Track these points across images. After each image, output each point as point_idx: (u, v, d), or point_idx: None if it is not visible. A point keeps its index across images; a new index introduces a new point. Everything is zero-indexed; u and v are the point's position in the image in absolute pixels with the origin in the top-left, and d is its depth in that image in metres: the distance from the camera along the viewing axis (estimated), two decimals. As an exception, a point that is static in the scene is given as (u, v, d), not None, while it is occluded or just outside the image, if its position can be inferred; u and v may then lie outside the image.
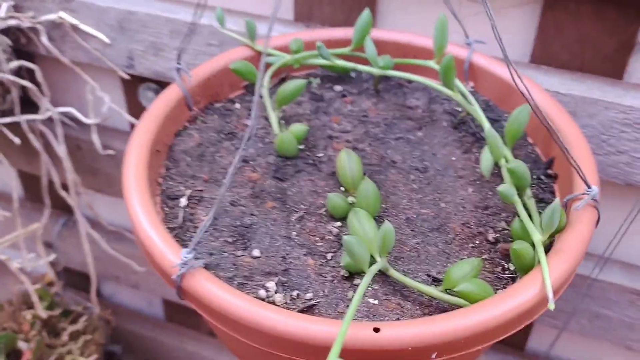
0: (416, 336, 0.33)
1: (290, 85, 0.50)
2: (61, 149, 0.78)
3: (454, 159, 0.51)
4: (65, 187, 0.83)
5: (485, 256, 0.43)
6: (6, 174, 0.96)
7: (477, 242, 0.44)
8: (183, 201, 0.46)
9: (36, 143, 0.77)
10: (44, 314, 0.76)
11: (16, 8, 0.71)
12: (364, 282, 0.34)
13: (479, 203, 0.47)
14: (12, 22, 0.70)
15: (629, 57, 0.55)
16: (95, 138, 0.77)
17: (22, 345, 0.74)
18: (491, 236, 0.44)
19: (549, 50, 0.57)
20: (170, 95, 0.50)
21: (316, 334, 0.33)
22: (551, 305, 0.34)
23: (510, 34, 0.59)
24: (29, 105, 0.78)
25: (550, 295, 0.34)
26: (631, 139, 0.55)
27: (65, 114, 0.79)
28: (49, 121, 0.79)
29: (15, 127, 0.77)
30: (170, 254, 0.37)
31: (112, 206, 0.93)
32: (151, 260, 0.38)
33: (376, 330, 0.33)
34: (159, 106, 0.49)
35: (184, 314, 1.04)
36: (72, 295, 0.89)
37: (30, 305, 0.80)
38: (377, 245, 0.38)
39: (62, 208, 0.95)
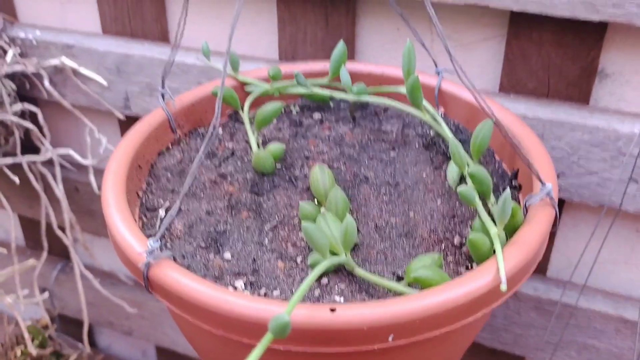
0: (371, 316, 0.34)
1: (269, 107, 0.53)
2: (59, 189, 0.80)
3: (424, 175, 0.53)
4: (62, 229, 0.86)
5: (450, 258, 0.44)
6: (7, 221, 0.99)
7: (443, 246, 0.45)
8: (161, 212, 0.48)
9: (36, 184, 0.81)
10: (33, 350, 0.76)
11: (21, 55, 0.76)
12: (321, 265, 0.35)
13: (447, 213, 0.48)
14: (17, 68, 0.75)
15: (593, 82, 0.58)
16: (92, 179, 0.80)
17: (10, 383, 0.74)
18: (456, 240, 0.46)
19: (516, 79, 0.60)
20: (155, 116, 0.53)
21: (270, 313, 0.34)
22: (503, 287, 0.35)
23: (479, 67, 0.62)
24: (29, 149, 0.82)
25: (504, 277, 0.35)
26: (599, 159, 0.57)
27: (64, 157, 0.83)
28: (49, 164, 0.83)
29: (16, 170, 0.81)
30: (138, 245, 0.39)
31: (108, 250, 0.95)
32: (121, 253, 0.40)
33: (332, 310, 0.34)
34: (142, 125, 0.52)
35: (178, 363, 1.03)
36: (64, 336, 0.90)
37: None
38: (340, 240, 0.40)
39: (60, 254, 0.97)
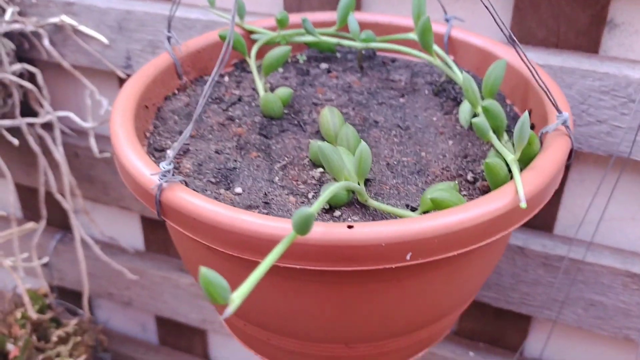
0: (389, 233, 0.33)
1: (276, 52, 0.53)
2: (59, 152, 0.79)
3: (435, 119, 0.52)
4: (62, 195, 0.85)
5: (464, 192, 0.43)
6: (5, 189, 0.98)
7: (457, 182, 0.45)
8: (169, 152, 0.47)
9: (35, 146, 0.79)
10: (33, 314, 0.75)
11: (20, 13, 0.75)
12: (338, 184, 0.34)
13: (459, 153, 0.48)
14: (16, 26, 0.73)
15: (602, 31, 0.57)
16: (93, 142, 0.79)
17: (10, 347, 0.73)
18: (470, 176, 0.45)
19: (526, 28, 0.59)
20: (161, 60, 0.52)
21: (287, 231, 0.33)
22: (523, 204, 0.35)
23: (488, 17, 0.61)
24: (28, 112, 0.81)
25: (522, 195, 0.35)
26: (609, 107, 0.56)
27: (63, 120, 0.82)
28: (48, 128, 0.82)
29: (14, 135, 0.79)
30: (149, 169, 0.38)
31: (108, 218, 0.93)
32: (130, 180, 0.39)
33: (350, 227, 0.34)
34: (149, 67, 0.51)
35: (177, 336, 1.02)
36: (64, 304, 0.88)
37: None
38: (354, 168, 0.39)
39: (58, 224, 0.96)
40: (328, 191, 0.32)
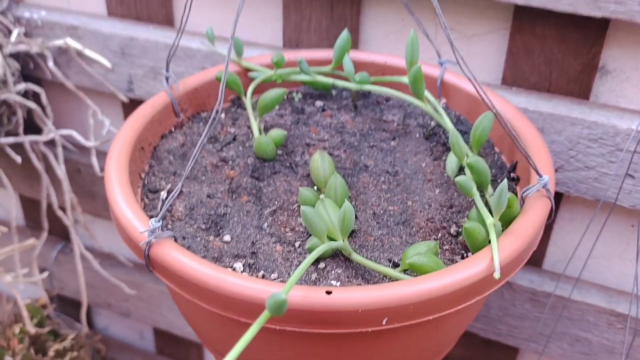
0: (365, 299, 0.35)
1: (271, 93, 0.54)
2: (61, 169, 0.81)
3: (423, 165, 0.53)
4: (63, 210, 0.86)
5: (446, 247, 0.45)
6: (8, 201, 1.00)
7: (440, 235, 0.46)
8: (163, 194, 0.49)
9: (37, 163, 0.81)
10: (32, 329, 0.77)
11: (26, 34, 0.77)
12: (318, 249, 0.36)
13: (445, 202, 0.49)
14: (22, 47, 0.75)
15: (594, 78, 0.58)
16: (94, 160, 0.81)
17: (8, 359, 0.75)
18: (453, 230, 0.46)
19: (518, 72, 0.60)
20: (159, 99, 0.54)
21: (268, 294, 0.35)
22: (497, 275, 0.36)
23: (482, 59, 0.63)
24: (32, 129, 0.82)
25: (497, 265, 0.36)
26: (597, 154, 0.57)
27: (66, 138, 0.83)
28: (51, 145, 0.83)
29: (18, 150, 0.81)
30: (140, 224, 0.39)
31: (108, 231, 0.95)
32: (123, 232, 0.41)
33: (328, 292, 0.35)
34: (146, 107, 0.52)
35: (174, 346, 1.04)
36: (62, 316, 0.90)
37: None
38: (338, 226, 0.40)
39: (60, 235, 0.98)
40: (308, 259, 0.34)
